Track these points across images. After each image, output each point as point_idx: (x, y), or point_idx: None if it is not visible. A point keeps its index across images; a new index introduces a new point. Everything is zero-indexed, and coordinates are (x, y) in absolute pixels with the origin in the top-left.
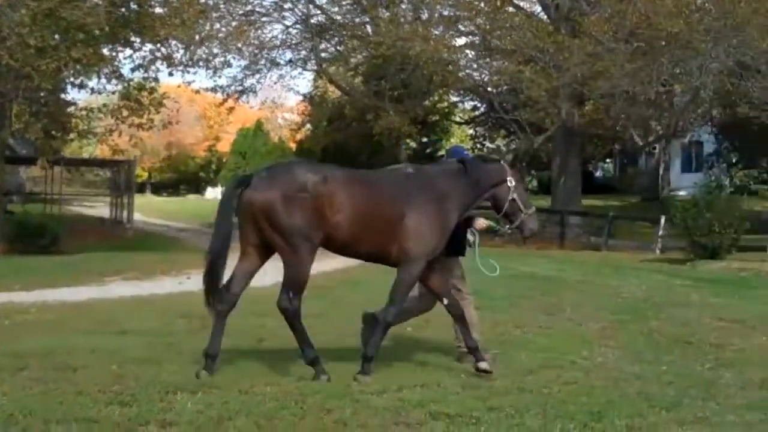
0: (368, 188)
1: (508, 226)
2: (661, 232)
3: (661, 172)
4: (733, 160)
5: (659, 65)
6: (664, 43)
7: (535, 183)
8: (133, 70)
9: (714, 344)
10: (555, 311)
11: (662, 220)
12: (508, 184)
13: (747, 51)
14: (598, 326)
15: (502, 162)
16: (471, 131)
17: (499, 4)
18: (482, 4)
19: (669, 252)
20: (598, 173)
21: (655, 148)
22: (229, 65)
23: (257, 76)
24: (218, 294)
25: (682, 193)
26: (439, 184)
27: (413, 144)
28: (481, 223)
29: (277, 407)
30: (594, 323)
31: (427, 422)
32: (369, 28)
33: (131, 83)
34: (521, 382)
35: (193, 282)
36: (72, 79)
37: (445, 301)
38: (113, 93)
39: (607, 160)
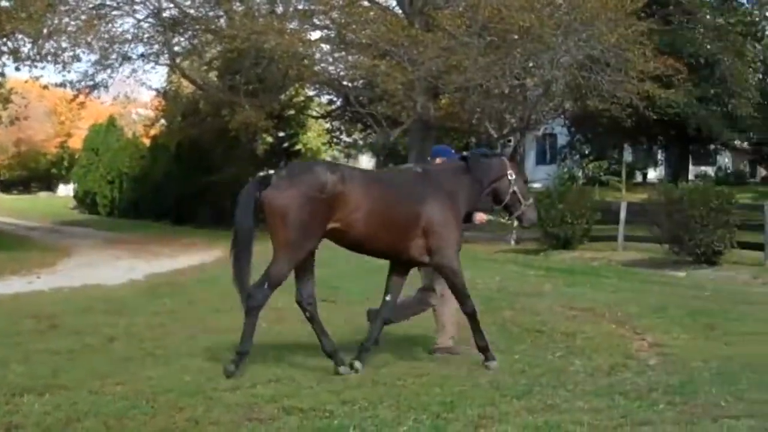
0: (383, 187)
1: (507, 218)
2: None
3: None
4: (586, 152)
5: (512, 59)
6: (516, 37)
7: None
8: None
9: (565, 333)
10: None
11: None
12: (509, 177)
13: (596, 45)
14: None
15: (502, 156)
16: (328, 125)
17: None
18: None
19: (523, 243)
20: None
21: (510, 141)
22: (79, 60)
23: (108, 71)
24: (248, 292)
25: (536, 184)
26: (447, 182)
27: (270, 139)
28: (481, 217)
29: (127, 406)
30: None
31: (281, 417)
32: (223, 22)
33: None
34: (375, 374)
35: (43, 282)
36: None
37: (386, 298)
38: None
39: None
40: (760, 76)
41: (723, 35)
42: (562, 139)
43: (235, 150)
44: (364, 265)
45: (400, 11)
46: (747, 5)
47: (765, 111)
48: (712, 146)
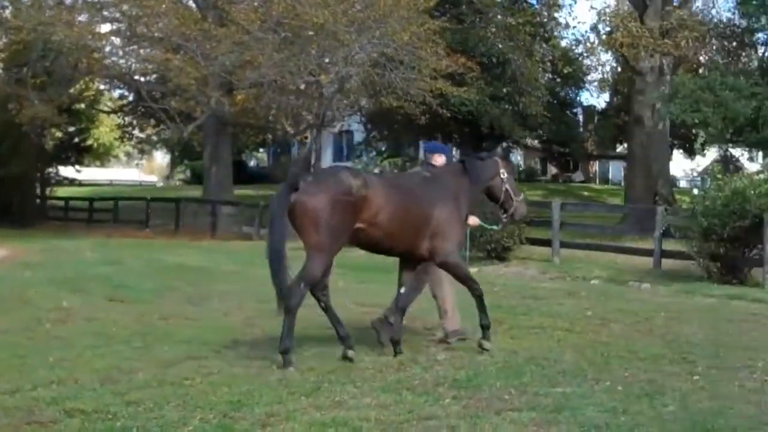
0: (401, 191)
1: (503, 215)
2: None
3: (313, 161)
4: (382, 149)
5: (306, 55)
6: (311, 33)
7: (188, 173)
8: None
9: (355, 329)
10: (202, 302)
11: None
12: (501, 176)
13: (390, 42)
14: (244, 315)
15: (495, 157)
16: (120, 120)
17: None
18: None
19: None
20: (252, 163)
21: (307, 138)
22: None
23: None
24: (286, 292)
25: None
26: (451, 186)
27: (59, 134)
28: (474, 220)
29: None
30: (240, 313)
31: (62, 420)
32: (8, 13)
33: None
34: (162, 374)
35: None
36: None
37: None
38: None
39: (261, 150)
40: (550, 76)
41: (513, 35)
42: (358, 136)
43: (22, 144)
44: (154, 264)
45: (194, 5)
46: (536, 6)
47: (554, 110)
48: (504, 144)
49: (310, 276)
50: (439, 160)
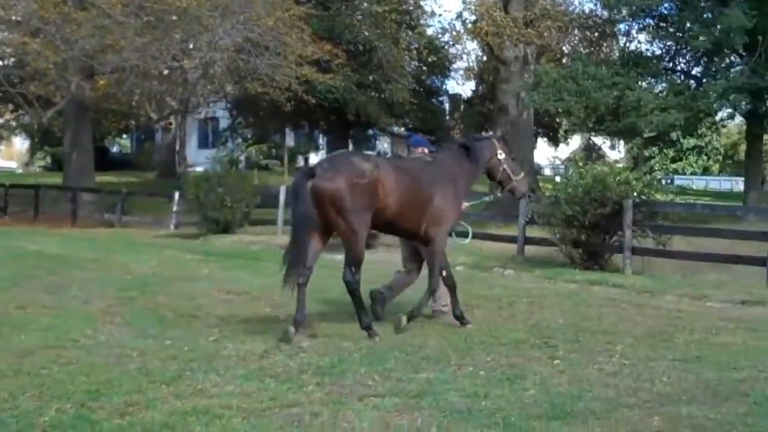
0: (407, 174)
1: (500, 191)
2: (175, 208)
3: (177, 147)
4: (247, 136)
5: (170, 40)
6: (174, 17)
7: (48, 159)
8: None
9: (220, 317)
10: (60, 290)
11: (176, 196)
12: (499, 157)
13: (254, 28)
14: (105, 304)
15: (492, 139)
16: None
17: None
18: None
19: (184, 227)
20: (115, 149)
21: (171, 124)
22: None
23: None
24: (298, 270)
25: (199, 168)
26: (452, 169)
27: None
28: (464, 206)
29: None
30: (100, 301)
31: None
32: None
33: None
34: (18, 364)
35: None
36: None
37: (444, 273)
38: None
39: (124, 136)
40: (416, 64)
41: (380, 22)
42: (224, 123)
43: None
44: (11, 251)
45: None
46: None
47: (421, 98)
48: (371, 131)
49: (355, 259)
50: (421, 153)
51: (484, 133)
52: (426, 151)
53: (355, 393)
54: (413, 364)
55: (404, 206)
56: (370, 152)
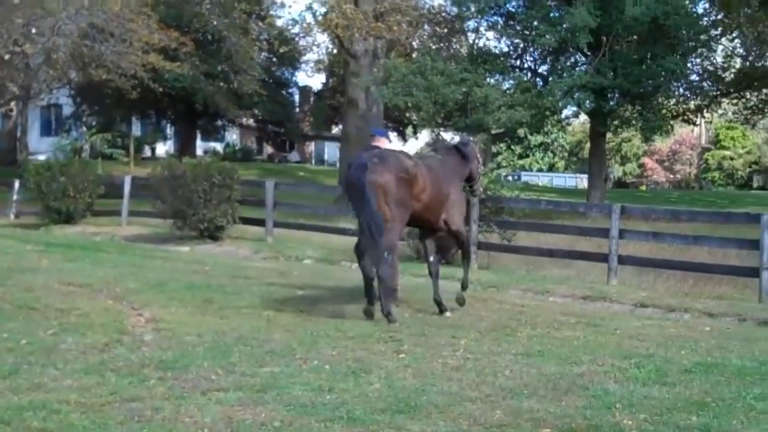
0: (433, 171)
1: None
2: (15, 197)
3: (18, 134)
4: (92, 124)
5: (11, 24)
6: (16, 2)
7: None
8: None
9: (60, 309)
10: None
11: (16, 184)
12: (477, 160)
13: (99, 13)
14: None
15: (472, 144)
16: None
17: None
18: None
19: (24, 217)
20: None
21: (12, 110)
22: None
23: None
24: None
25: (41, 157)
26: (457, 168)
27: None
28: None
29: None
30: None
31: None
32: None
33: None
34: None
35: None
36: None
37: (431, 258)
38: None
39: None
40: (266, 55)
41: (229, 12)
42: (67, 110)
43: None
44: None
45: None
46: None
47: (270, 89)
48: (219, 122)
49: (390, 244)
50: (383, 142)
51: (462, 138)
52: (385, 141)
53: (198, 387)
54: (257, 358)
55: (431, 200)
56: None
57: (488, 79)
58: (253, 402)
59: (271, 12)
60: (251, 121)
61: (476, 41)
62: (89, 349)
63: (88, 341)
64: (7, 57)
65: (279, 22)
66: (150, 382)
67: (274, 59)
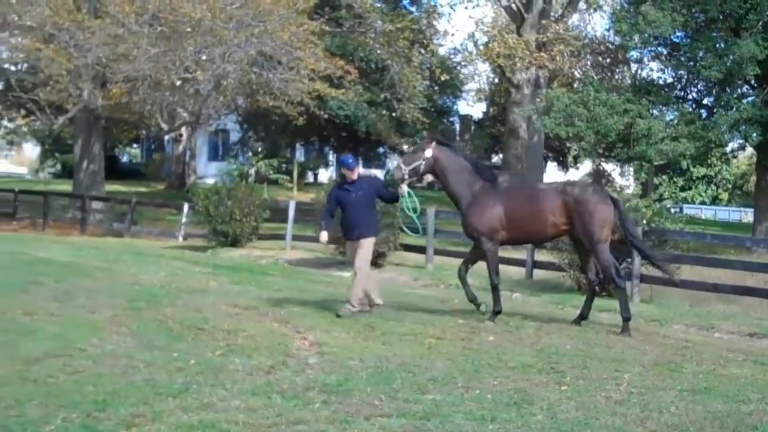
0: None
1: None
2: (184, 220)
3: (187, 159)
4: (258, 150)
5: (183, 51)
6: (188, 29)
7: (59, 166)
8: None
9: (227, 330)
10: (67, 298)
11: (185, 207)
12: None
13: (268, 41)
14: (111, 313)
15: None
16: None
17: None
18: None
19: (192, 239)
20: (125, 158)
21: (182, 135)
22: None
23: None
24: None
25: (209, 180)
26: None
27: None
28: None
29: None
30: (108, 310)
31: None
32: None
33: None
34: (25, 371)
35: None
36: None
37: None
38: None
39: (135, 145)
40: (427, 83)
41: (392, 41)
42: (234, 136)
43: None
44: (19, 257)
45: None
46: (415, 13)
47: (431, 118)
48: (381, 149)
49: (609, 263)
50: (355, 172)
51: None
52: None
53: (362, 412)
54: (420, 385)
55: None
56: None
57: (651, 111)
58: (416, 429)
59: (434, 41)
60: (412, 149)
61: (639, 72)
62: (256, 370)
63: (254, 363)
64: (178, 83)
65: (441, 51)
66: (315, 405)
67: (436, 87)
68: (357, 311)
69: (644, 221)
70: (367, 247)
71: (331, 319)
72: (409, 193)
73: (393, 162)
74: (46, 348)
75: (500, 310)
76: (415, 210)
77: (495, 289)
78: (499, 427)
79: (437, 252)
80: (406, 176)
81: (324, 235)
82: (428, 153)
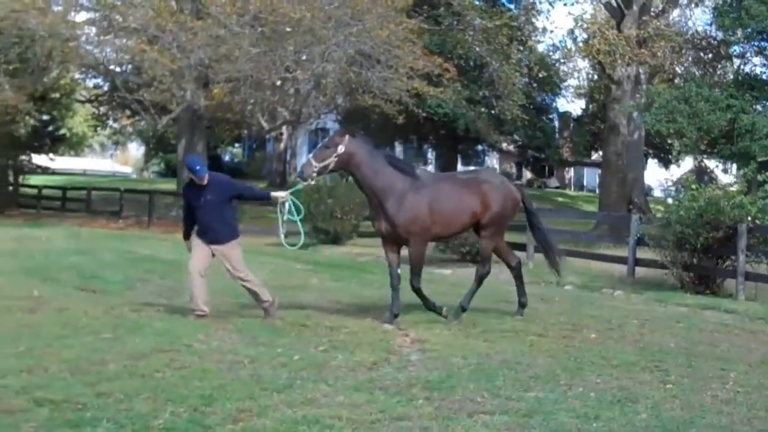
0: None
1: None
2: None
3: (288, 157)
4: None
5: (283, 51)
6: (288, 29)
7: (162, 165)
8: None
9: (329, 327)
10: (173, 295)
11: (287, 205)
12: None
13: (367, 40)
14: (217, 310)
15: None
16: (95, 110)
17: None
18: None
19: (292, 237)
20: (227, 157)
21: (282, 134)
22: None
23: None
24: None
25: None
26: None
27: (32, 121)
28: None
29: None
30: (213, 307)
31: (31, 409)
32: None
33: None
34: (133, 366)
35: None
36: None
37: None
38: None
39: (236, 144)
40: (526, 80)
41: (491, 38)
42: None
43: None
44: (126, 255)
45: None
46: (514, 10)
47: (530, 115)
48: (479, 147)
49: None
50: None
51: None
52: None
53: (464, 409)
54: (522, 382)
55: None
56: (479, 168)
57: (755, 106)
58: (519, 426)
59: (533, 38)
60: (511, 147)
61: (742, 67)
62: (358, 366)
63: (356, 359)
64: (278, 83)
65: (540, 47)
66: (417, 402)
67: (534, 85)
68: (272, 302)
69: (749, 218)
70: (232, 256)
71: (431, 317)
72: (292, 200)
73: (493, 160)
74: (153, 344)
75: (398, 312)
76: (299, 211)
77: (418, 292)
78: (603, 425)
79: (537, 249)
80: (315, 173)
81: (186, 245)
82: (341, 148)
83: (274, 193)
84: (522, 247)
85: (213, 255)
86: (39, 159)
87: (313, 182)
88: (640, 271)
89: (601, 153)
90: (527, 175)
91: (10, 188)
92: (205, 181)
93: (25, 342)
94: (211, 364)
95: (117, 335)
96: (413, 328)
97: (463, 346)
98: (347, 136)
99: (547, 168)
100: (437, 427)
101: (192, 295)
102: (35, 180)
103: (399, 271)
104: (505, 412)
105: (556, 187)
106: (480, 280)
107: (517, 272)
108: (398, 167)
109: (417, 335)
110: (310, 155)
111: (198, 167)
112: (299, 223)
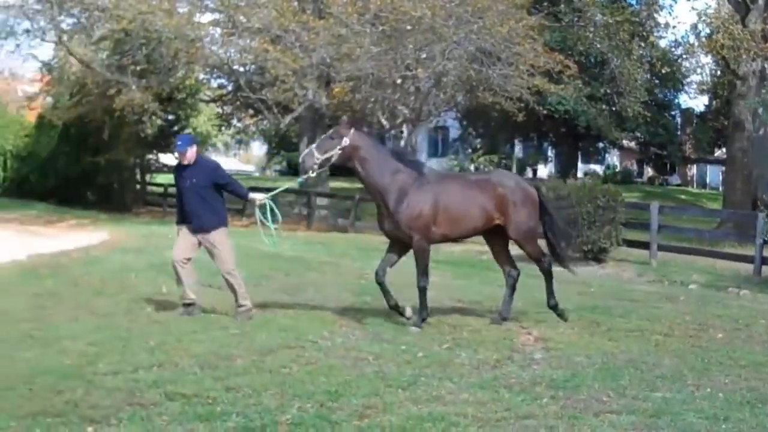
0: None
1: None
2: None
3: None
4: (477, 146)
5: (404, 49)
6: (408, 27)
7: (284, 164)
8: None
9: (452, 325)
10: (298, 292)
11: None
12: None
13: (487, 37)
14: (340, 307)
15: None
16: (219, 110)
17: None
18: None
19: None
20: None
21: (402, 132)
22: None
23: None
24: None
25: None
26: None
27: (159, 121)
28: (260, 197)
29: (2, 388)
30: (336, 304)
31: (162, 403)
32: (109, 2)
33: None
34: (261, 362)
35: None
36: None
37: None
38: None
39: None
40: (648, 77)
41: (612, 34)
42: (454, 132)
43: (122, 131)
44: (250, 252)
45: None
46: (635, 5)
47: (652, 112)
48: (600, 144)
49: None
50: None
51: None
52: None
53: (590, 408)
54: (648, 382)
55: None
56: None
57: None
58: (646, 427)
59: (654, 33)
60: (632, 144)
61: None
62: (482, 364)
63: (480, 357)
64: (399, 81)
65: (662, 43)
66: (542, 401)
67: (656, 81)
68: (249, 308)
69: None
70: (219, 245)
71: (554, 316)
72: (270, 207)
73: (613, 157)
74: (279, 339)
75: (427, 315)
76: (273, 212)
77: (423, 292)
78: (732, 427)
79: (661, 248)
80: (317, 165)
81: (176, 231)
82: (346, 141)
83: (252, 195)
84: (645, 245)
85: (199, 245)
86: (165, 158)
87: (314, 174)
88: (766, 270)
89: (724, 150)
90: (648, 172)
91: (138, 186)
92: (188, 161)
93: (155, 337)
94: (336, 360)
95: (244, 331)
96: (535, 326)
97: (587, 344)
98: (353, 129)
99: (668, 165)
100: (563, 426)
101: (181, 284)
102: (161, 178)
103: (387, 269)
104: (631, 412)
105: (678, 185)
106: (548, 275)
107: (512, 282)
108: (405, 161)
109: (540, 333)
110: (313, 146)
111: (180, 142)
112: (272, 228)
